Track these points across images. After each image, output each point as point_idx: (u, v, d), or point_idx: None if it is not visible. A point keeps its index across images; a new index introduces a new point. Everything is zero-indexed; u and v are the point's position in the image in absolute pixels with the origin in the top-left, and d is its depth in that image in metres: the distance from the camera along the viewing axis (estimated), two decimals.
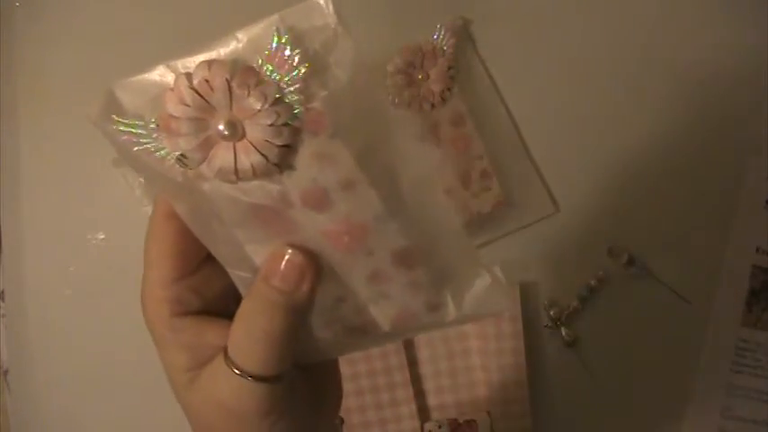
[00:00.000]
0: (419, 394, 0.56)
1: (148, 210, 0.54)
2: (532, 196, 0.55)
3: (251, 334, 0.25)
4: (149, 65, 0.24)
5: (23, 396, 0.58)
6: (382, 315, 0.28)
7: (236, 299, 0.27)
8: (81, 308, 0.57)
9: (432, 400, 0.56)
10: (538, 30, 0.55)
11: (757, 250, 0.54)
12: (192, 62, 0.23)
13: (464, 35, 0.55)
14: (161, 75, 0.23)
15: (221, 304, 0.28)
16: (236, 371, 0.25)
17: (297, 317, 0.26)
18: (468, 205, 0.54)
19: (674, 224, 0.55)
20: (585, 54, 0.55)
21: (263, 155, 0.23)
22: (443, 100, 0.54)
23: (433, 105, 0.54)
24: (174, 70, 0.23)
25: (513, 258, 0.56)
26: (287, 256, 0.25)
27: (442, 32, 0.54)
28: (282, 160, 0.23)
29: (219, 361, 0.26)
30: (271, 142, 0.23)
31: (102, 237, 0.57)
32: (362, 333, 0.29)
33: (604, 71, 0.55)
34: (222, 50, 0.23)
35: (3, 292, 0.59)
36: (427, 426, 0.55)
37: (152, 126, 0.23)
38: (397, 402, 0.55)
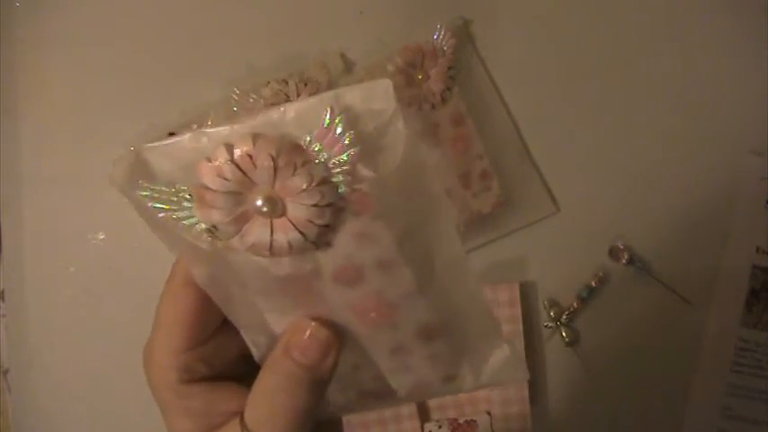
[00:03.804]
0: None
1: None
2: (532, 196, 0.55)
3: (273, 409, 0.25)
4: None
5: (23, 396, 0.58)
6: (399, 385, 0.28)
7: (246, 362, 0.27)
8: (81, 308, 0.57)
9: (432, 401, 0.56)
10: (538, 30, 0.55)
11: (757, 250, 0.54)
12: (228, 132, 0.22)
13: (464, 35, 0.55)
14: (194, 141, 0.22)
15: (230, 369, 0.28)
16: None
17: (320, 391, 0.26)
18: (468, 205, 0.54)
19: (674, 224, 0.55)
20: (585, 54, 0.55)
21: (301, 233, 0.22)
22: (443, 100, 0.54)
23: (433, 105, 0.54)
24: (207, 138, 0.22)
25: (513, 258, 0.56)
26: (309, 331, 0.25)
27: (442, 32, 0.54)
28: (320, 238, 0.23)
29: (233, 429, 0.26)
30: (312, 222, 0.22)
31: (102, 237, 0.57)
32: (376, 398, 0.29)
33: (604, 71, 0.55)
34: (265, 122, 0.22)
35: (3, 292, 0.59)
36: (427, 426, 0.55)
37: (183, 195, 0.22)
38: None
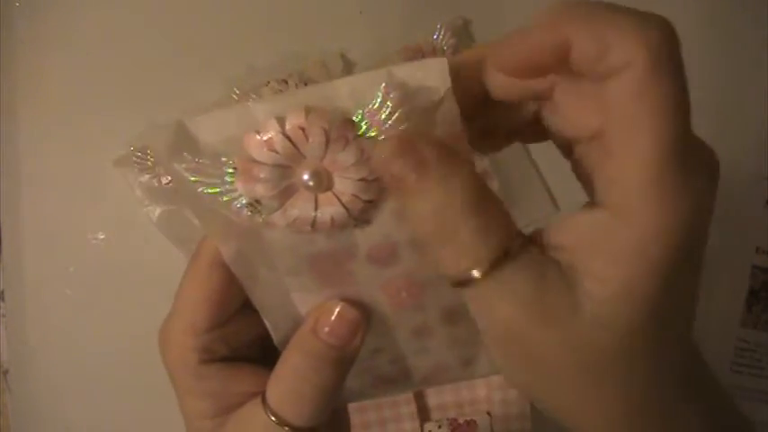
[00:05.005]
0: (419, 394, 0.55)
1: (149, 210, 0.54)
2: (532, 196, 0.55)
3: (298, 388, 0.25)
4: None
5: (23, 396, 0.58)
6: (417, 368, 0.28)
7: (261, 345, 0.27)
8: (81, 308, 0.57)
9: (432, 400, 0.56)
10: None
11: (757, 250, 0.54)
12: (278, 105, 0.21)
13: (464, 35, 0.55)
14: (240, 114, 0.22)
15: (247, 351, 0.28)
16: (273, 419, 0.25)
17: (345, 371, 0.26)
18: None
19: None
20: None
21: (346, 208, 0.22)
22: None
23: None
24: (255, 110, 0.22)
25: None
26: (338, 310, 0.25)
27: (442, 32, 0.54)
28: (362, 215, 0.23)
29: (253, 408, 0.26)
30: (358, 197, 0.22)
31: (102, 237, 0.57)
32: (391, 383, 0.29)
33: None
34: (318, 95, 0.22)
35: (3, 292, 0.59)
36: (427, 426, 0.55)
37: (226, 168, 0.22)
38: (397, 402, 0.55)
